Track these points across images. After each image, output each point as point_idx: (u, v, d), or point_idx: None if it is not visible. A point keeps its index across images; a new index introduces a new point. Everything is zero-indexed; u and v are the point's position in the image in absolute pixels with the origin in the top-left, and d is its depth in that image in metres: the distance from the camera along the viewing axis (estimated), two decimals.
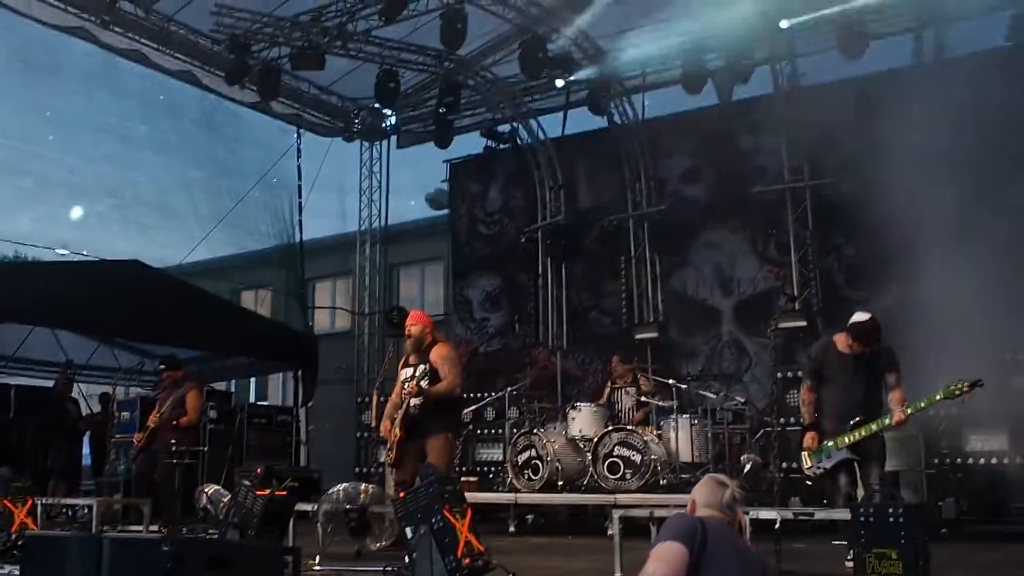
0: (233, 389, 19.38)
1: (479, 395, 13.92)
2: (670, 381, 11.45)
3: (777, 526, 6.74)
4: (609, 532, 7.67)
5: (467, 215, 17.90)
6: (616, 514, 7.25)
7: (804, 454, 7.48)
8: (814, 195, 13.81)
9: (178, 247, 17.83)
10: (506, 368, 15.71)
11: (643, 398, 11.52)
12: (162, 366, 11.00)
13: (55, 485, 12.76)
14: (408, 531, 5.46)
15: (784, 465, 11.12)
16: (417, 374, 7.79)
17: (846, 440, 7.24)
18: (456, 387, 7.94)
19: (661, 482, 10.55)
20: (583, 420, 11.32)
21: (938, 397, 6.99)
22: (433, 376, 7.81)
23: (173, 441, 9.71)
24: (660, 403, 11.42)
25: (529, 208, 16.95)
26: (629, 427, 10.90)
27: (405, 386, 7.87)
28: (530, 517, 11.98)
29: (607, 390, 12.04)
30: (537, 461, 11.05)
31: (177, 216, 17.86)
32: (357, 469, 15.31)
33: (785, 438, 11.35)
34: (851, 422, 7.22)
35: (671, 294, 15.20)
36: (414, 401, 7.77)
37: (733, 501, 3.76)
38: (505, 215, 17.41)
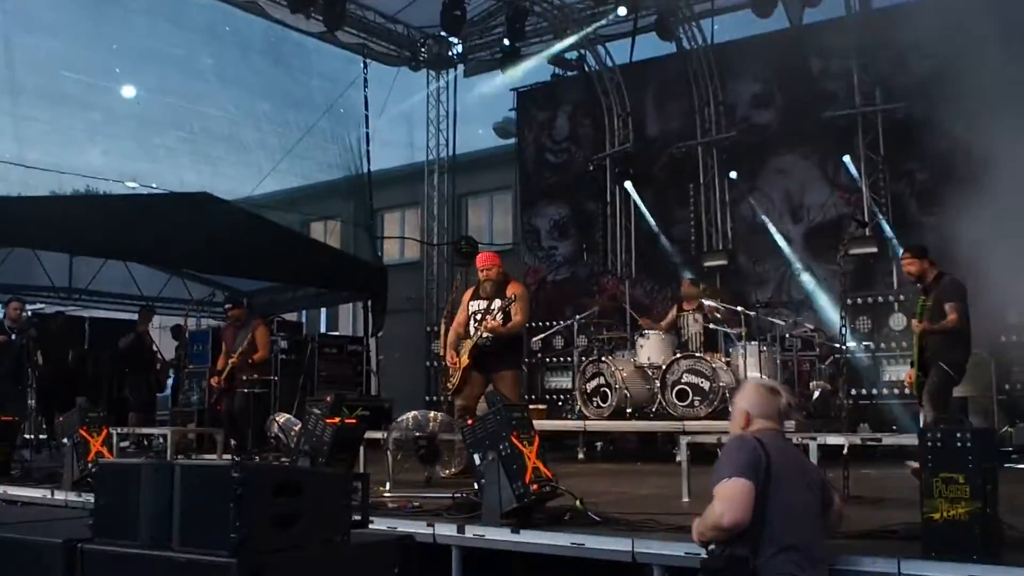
0: (304, 319, 19.74)
1: (548, 323, 14.00)
2: (739, 308, 11.39)
3: (845, 451, 6.75)
4: (677, 459, 7.74)
5: (535, 143, 17.81)
6: (684, 440, 7.30)
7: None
8: (886, 120, 13.46)
9: (247, 179, 18.02)
10: (574, 296, 15.75)
11: (711, 324, 11.48)
12: (227, 305, 11.24)
13: (134, 416, 13.17)
14: (476, 458, 5.55)
15: (852, 392, 11.06)
16: (494, 308, 8.02)
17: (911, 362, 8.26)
18: (523, 323, 8.32)
19: (730, 409, 10.53)
20: (651, 347, 11.33)
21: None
22: (506, 314, 8.04)
23: (245, 377, 10.04)
24: (728, 330, 11.38)
25: (597, 136, 16.79)
26: (698, 354, 10.89)
27: (476, 318, 8.11)
28: (599, 444, 12.09)
29: (673, 315, 11.99)
30: (606, 388, 11.12)
31: (245, 148, 18.02)
32: (427, 398, 15.56)
33: (854, 365, 11.26)
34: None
35: (740, 221, 15.01)
36: (486, 334, 7.97)
37: (790, 408, 3.76)
38: (573, 143, 17.28)
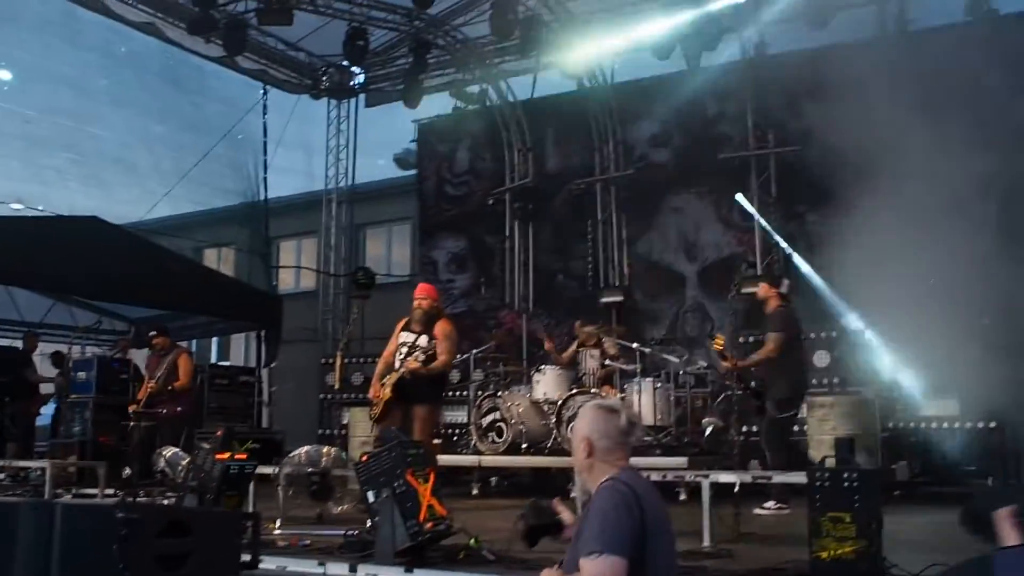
0: (194, 349, 19.27)
1: None
2: (634, 345, 11.53)
3: (736, 489, 6.86)
4: (572, 494, 7.76)
5: (435, 176, 17.82)
6: (579, 477, 7.32)
7: None
8: (778, 162, 13.89)
9: (139, 203, 17.59)
10: (472, 330, 15.71)
11: (607, 361, 11.58)
12: (152, 332, 10.95)
13: (12, 447, 12.63)
14: (370, 495, 5.48)
15: (744, 429, 11.26)
16: (421, 344, 8.07)
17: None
18: (450, 365, 8.46)
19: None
20: (547, 383, 11.41)
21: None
22: (429, 356, 8.07)
23: (179, 408, 9.83)
24: (623, 366, 11.50)
25: (497, 170, 16.89)
26: (593, 390, 10.97)
27: (402, 351, 8.18)
28: (494, 480, 12.05)
29: (571, 352, 12.09)
30: (501, 424, 11.11)
31: (138, 172, 17.62)
32: (320, 431, 15.29)
33: (746, 402, 11.48)
34: None
35: (637, 258, 15.25)
36: (412, 366, 8.00)
37: (631, 427, 3.44)
38: (473, 176, 17.35)
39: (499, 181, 16.77)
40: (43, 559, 3.16)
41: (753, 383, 9.08)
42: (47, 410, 14.29)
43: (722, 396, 12.04)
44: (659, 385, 11.24)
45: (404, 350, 8.14)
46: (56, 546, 3.16)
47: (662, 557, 3.26)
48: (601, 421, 3.45)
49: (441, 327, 8.23)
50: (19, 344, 14.29)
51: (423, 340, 8.09)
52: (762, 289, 8.73)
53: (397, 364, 8.16)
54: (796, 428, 10.80)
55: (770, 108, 13.57)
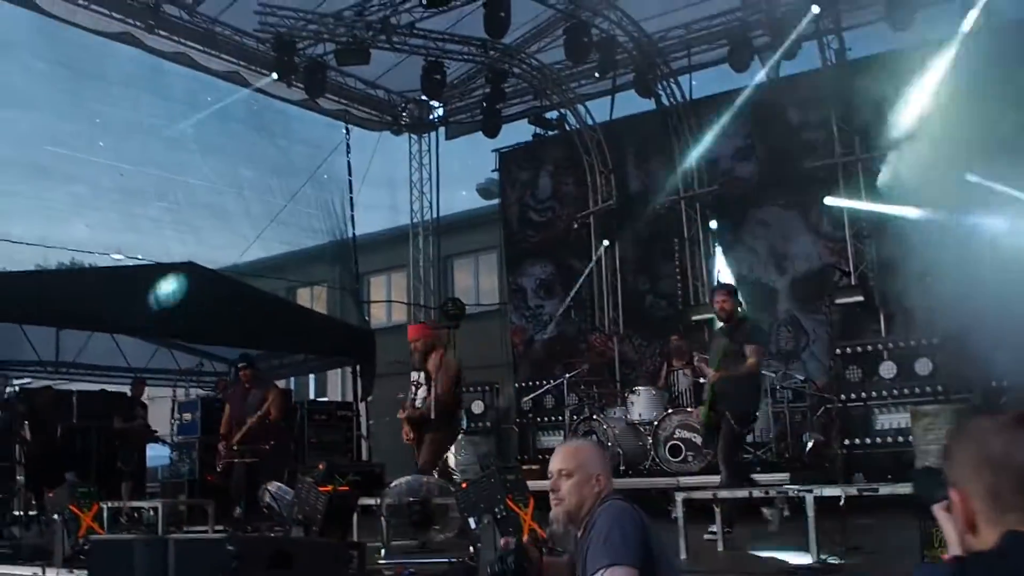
0: (292, 386, 19.61)
1: (537, 383, 13.95)
2: None
3: (842, 503, 6.70)
4: (673, 515, 7.68)
5: (518, 203, 17.91)
6: (679, 497, 7.25)
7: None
8: (866, 168, 13.59)
9: (232, 247, 18.02)
10: (563, 355, 15.71)
11: (701, 379, 11.45)
12: (241, 364, 11.10)
13: (126, 487, 13.03)
14: (471, 521, 5.49)
15: (846, 441, 11.02)
16: (420, 383, 8.86)
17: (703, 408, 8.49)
18: (445, 395, 8.80)
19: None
20: (642, 404, 11.33)
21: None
22: (430, 384, 8.76)
23: (273, 442, 10.02)
24: None
25: (580, 193, 16.90)
26: (689, 409, 10.86)
27: (412, 389, 9.00)
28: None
29: (663, 372, 12.02)
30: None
31: (229, 217, 18.06)
32: (418, 461, 15.37)
33: (846, 414, 11.24)
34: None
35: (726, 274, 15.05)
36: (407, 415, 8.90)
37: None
38: (556, 202, 17.39)
39: (583, 205, 16.78)
40: None
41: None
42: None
43: (821, 409, 11.82)
44: None
45: (413, 389, 8.97)
46: None
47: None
48: (605, 457, 3.71)
49: (433, 361, 8.83)
50: (127, 390, 14.73)
51: (424, 378, 8.82)
52: (729, 302, 8.30)
53: (408, 403, 8.96)
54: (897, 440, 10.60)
55: (855, 113, 13.30)
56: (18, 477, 11.26)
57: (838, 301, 13.10)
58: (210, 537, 3.71)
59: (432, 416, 8.77)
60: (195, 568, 3.27)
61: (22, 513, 11.05)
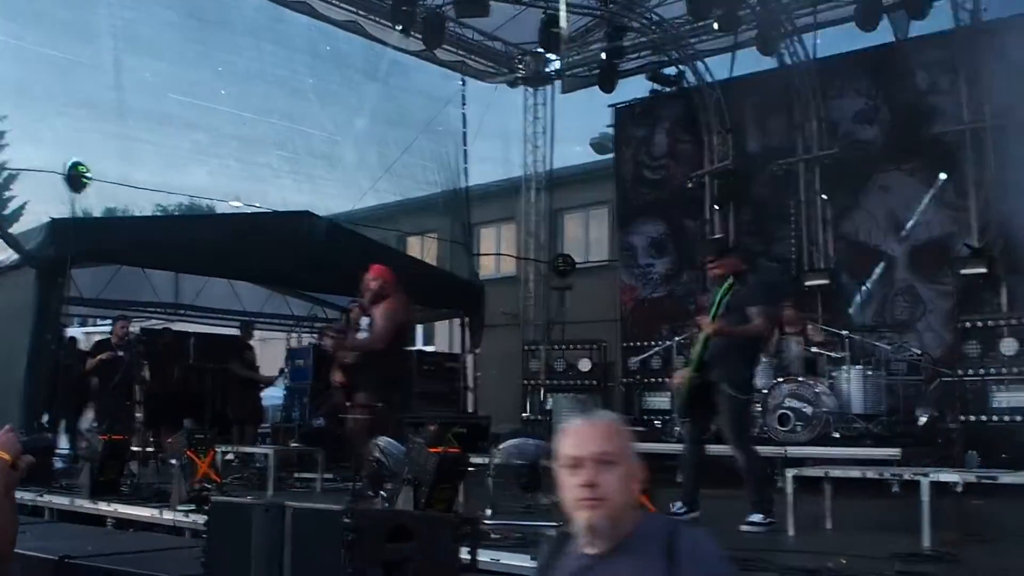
0: None
1: (645, 343, 13.89)
2: (843, 332, 11.17)
3: (959, 488, 6.52)
4: (779, 484, 7.61)
5: (632, 160, 17.72)
6: (789, 474, 7.18)
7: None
8: (995, 135, 13.01)
9: (346, 197, 18.26)
10: (672, 315, 15.58)
11: (813, 348, 11.26)
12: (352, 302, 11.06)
13: (237, 431, 13.52)
14: None
15: (961, 418, 10.73)
16: (364, 327, 8.01)
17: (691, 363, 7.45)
18: (375, 343, 7.91)
19: (833, 434, 10.33)
20: None
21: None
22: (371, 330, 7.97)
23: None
24: (831, 353, 11.15)
25: (696, 152, 16.62)
26: (800, 378, 10.70)
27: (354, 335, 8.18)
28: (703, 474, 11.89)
29: (774, 339, 11.81)
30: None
31: (345, 166, 18.30)
32: (523, 415, 15.57)
33: (963, 389, 10.93)
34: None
35: (842, 239, 14.69)
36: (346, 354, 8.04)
37: None
38: (671, 160, 17.14)
39: (698, 164, 16.50)
40: (276, 559, 3.39)
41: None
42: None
43: (936, 383, 11.51)
44: (869, 373, 10.83)
45: (353, 331, 8.20)
46: (287, 547, 3.39)
47: None
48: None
49: (382, 308, 8.02)
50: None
51: (365, 322, 8.03)
52: (721, 267, 7.55)
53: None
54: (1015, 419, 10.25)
55: (987, 79, 12.71)
56: (137, 415, 11.73)
57: (960, 272, 12.68)
58: (328, 507, 3.81)
59: (348, 360, 8.06)
60: (311, 537, 3.39)
61: (140, 451, 11.56)
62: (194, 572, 3.74)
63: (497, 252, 21.59)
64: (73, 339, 14.01)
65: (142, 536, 6.89)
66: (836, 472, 7.38)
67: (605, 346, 15.47)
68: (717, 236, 10.54)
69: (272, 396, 15.18)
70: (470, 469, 7.15)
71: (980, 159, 13.09)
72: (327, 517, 3.39)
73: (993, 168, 12.97)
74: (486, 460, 7.87)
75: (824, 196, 14.74)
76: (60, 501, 8.39)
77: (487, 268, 21.08)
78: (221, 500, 4.60)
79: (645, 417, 13.52)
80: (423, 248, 20.56)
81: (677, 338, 12.75)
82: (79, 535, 6.52)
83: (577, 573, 2.44)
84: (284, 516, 3.41)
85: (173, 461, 7.75)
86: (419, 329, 21.33)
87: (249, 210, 15.57)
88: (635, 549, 2.42)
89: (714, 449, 8.41)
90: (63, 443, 12.20)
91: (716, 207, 16.04)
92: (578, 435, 2.50)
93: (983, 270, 12.53)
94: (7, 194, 29.18)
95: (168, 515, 7.25)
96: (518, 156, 19.98)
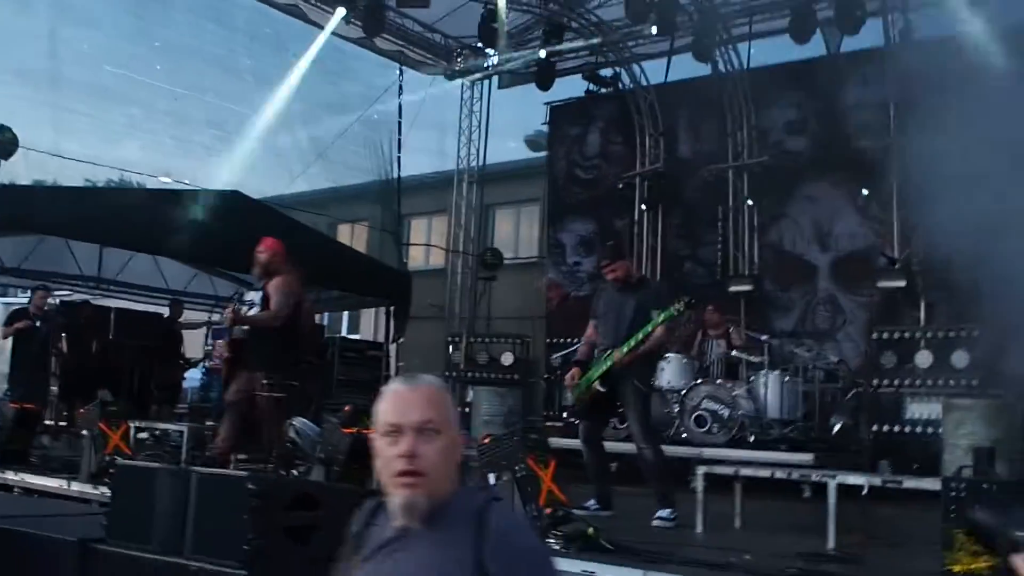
0: (326, 322, 19.78)
1: (569, 340, 13.91)
2: (763, 336, 11.33)
3: (865, 492, 6.66)
4: (691, 486, 7.68)
5: (565, 158, 17.79)
6: (700, 471, 7.25)
7: (568, 390, 7.70)
8: (917, 151, 13.27)
9: (278, 180, 18.06)
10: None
11: (734, 352, 11.42)
12: None
13: (155, 409, 13.25)
14: (491, 477, 5.53)
15: (875, 427, 10.95)
16: (256, 302, 7.88)
17: (595, 374, 7.39)
18: (275, 319, 7.73)
19: (749, 438, 10.47)
20: (672, 371, 11.28)
21: (659, 320, 7.06)
22: (265, 305, 7.83)
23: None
24: (751, 358, 11.30)
25: (628, 154, 16.74)
26: (718, 381, 10.83)
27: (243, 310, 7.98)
28: (614, 465, 11.99)
29: (697, 341, 11.98)
30: (623, 410, 11.04)
31: (278, 150, 18.08)
32: None
33: (877, 399, 11.16)
34: (604, 355, 7.37)
35: (768, 247, 14.92)
36: (237, 328, 7.87)
37: None
38: (603, 160, 17.25)
39: (630, 165, 16.62)
40: (179, 523, 3.32)
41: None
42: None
43: (852, 392, 11.74)
44: (787, 378, 11.01)
45: (245, 309, 7.99)
46: (191, 512, 3.32)
47: None
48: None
49: (277, 282, 7.88)
50: (165, 311, 14.93)
51: (258, 296, 7.90)
52: (621, 268, 7.64)
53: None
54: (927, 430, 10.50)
55: (913, 95, 13.01)
56: (52, 388, 11.46)
57: (880, 284, 12.95)
58: (233, 473, 3.76)
59: (239, 336, 7.83)
60: (216, 502, 3.33)
61: (53, 423, 11.29)
62: (96, 535, 3.66)
63: (427, 243, 21.50)
64: None
65: (47, 502, 6.72)
66: (747, 471, 7.48)
67: (529, 342, 15.51)
68: (611, 242, 10.58)
69: (192, 377, 14.95)
70: None
71: (904, 174, 13.36)
72: (232, 483, 3.33)
73: (913, 184, 13.25)
74: None
75: (752, 203, 14.96)
76: None
77: (416, 259, 21.01)
78: (126, 463, 4.50)
79: (564, 414, 13.56)
80: (353, 236, 20.40)
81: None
82: None
83: (386, 545, 2.30)
84: (189, 480, 3.35)
85: (84, 432, 7.56)
86: (344, 316, 21.21)
87: (178, 187, 15.30)
88: (446, 523, 2.29)
89: (620, 447, 8.51)
90: None
91: (645, 208, 16.15)
92: (399, 400, 2.33)
93: (902, 283, 12.81)
94: None
95: (76, 486, 7.08)
96: (452, 149, 19.95)
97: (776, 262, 14.78)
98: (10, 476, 7.71)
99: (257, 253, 8.08)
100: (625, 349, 7.18)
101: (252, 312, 7.84)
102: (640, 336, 7.17)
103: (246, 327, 7.84)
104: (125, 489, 3.70)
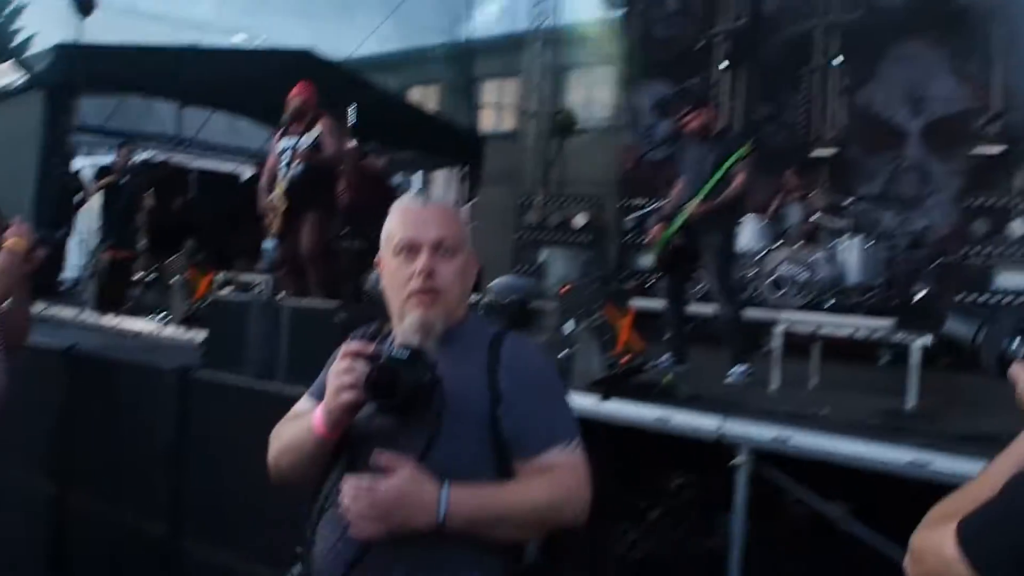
0: (397, 183, 19.77)
1: (644, 203, 13.73)
2: (846, 201, 11.04)
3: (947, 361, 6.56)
4: (764, 348, 7.63)
5: (643, 16, 17.16)
6: (778, 328, 7.18)
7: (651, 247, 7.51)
8: None
9: (349, 39, 17.89)
10: (673, 177, 15.35)
11: (814, 216, 11.16)
12: None
13: (239, 262, 13.47)
14: (568, 325, 5.51)
15: (959, 295, 10.70)
16: (303, 142, 7.67)
17: (674, 227, 7.28)
18: (340, 160, 7.78)
19: (827, 303, 10.31)
20: (748, 234, 11.08)
21: (728, 164, 6.94)
22: (316, 149, 7.71)
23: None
24: (831, 222, 11.05)
25: (709, 10, 16.07)
26: (798, 244, 10.63)
27: (284, 158, 7.74)
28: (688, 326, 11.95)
29: (775, 204, 11.73)
30: (702, 265, 10.91)
31: (349, 8, 17.89)
32: (515, 268, 15.51)
33: (964, 268, 10.87)
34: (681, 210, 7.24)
35: (855, 110, 14.36)
36: (298, 170, 7.65)
37: None
38: (683, 17, 16.59)
39: (711, 22, 16.00)
40: (272, 353, 3.35)
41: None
42: None
43: (938, 261, 11.44)
44: (869, 244, 10.75)
45: (286, 156, 7.75)
46: (283, 342, 3.34)
47: None
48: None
49: (325, 122, 7.82)
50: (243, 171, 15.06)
51: (306, 139, 7.72)
52: (703, 117, 7.42)
53: (281, 174, 7.76)
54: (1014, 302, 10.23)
55: None
56: (140, 241, 11.73)
57: (974, 151, 12.45)
58: (323, 305, 3.79)
59: (308, 180, 7.59)
60: (306, 332, 3.34)
61: (142, 275, 11.57)
62: (193, 364, 3.75)
63: (498, 105, 21.24)
64: (78, 171, 13.94)
65: (144, 339, 6.97)
66: (827, 329, 7.39)
67: (601, 204, 15.32)
68: (686, 87, 10.25)
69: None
70: None
71: (1008, 33, 12.65)
72: (321, 314, 3.33)
73: (1017, 45, 12.59)
74: (475, 299, 7.85)
75: (840, 63, 14.33)
76: (67, 313, 8.47)
77: (488, 123, 20.78)
78: (221, 297, 4.59)
79: (639, 275, 13.47)
80: (424, 98, 20.21)
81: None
82: (84, 335, 6.62)
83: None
84: (280, 312, 3.36)
85: (174, 279, 7.71)
86: (416, 178, 21.20)
87: (252, 46, 15.29)
88: (460, 346, 2.23)
89: (695, 307, 8.47)
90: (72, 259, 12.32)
91: (725, 68, 15.60)
92: (414, 216, 2.28)
93: (999, 149, 12.29)
94: (13, 27, 28.50)
95: (169, 330, 7.27)
96: (525, 8, 19.43)
97: (863, 126, 14.20)
98: (108, 320, 7.97)
99: (291, 97, 8.03)
100: (699, 199, 7.00)
101: (295, 167, 7.68)
102: (710, 185, 7.00)
103: (303, 172, 7.67)
104: (220, 322, 3.78)
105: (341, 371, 2.10)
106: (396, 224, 2.28)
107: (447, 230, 2.27)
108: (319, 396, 2.26)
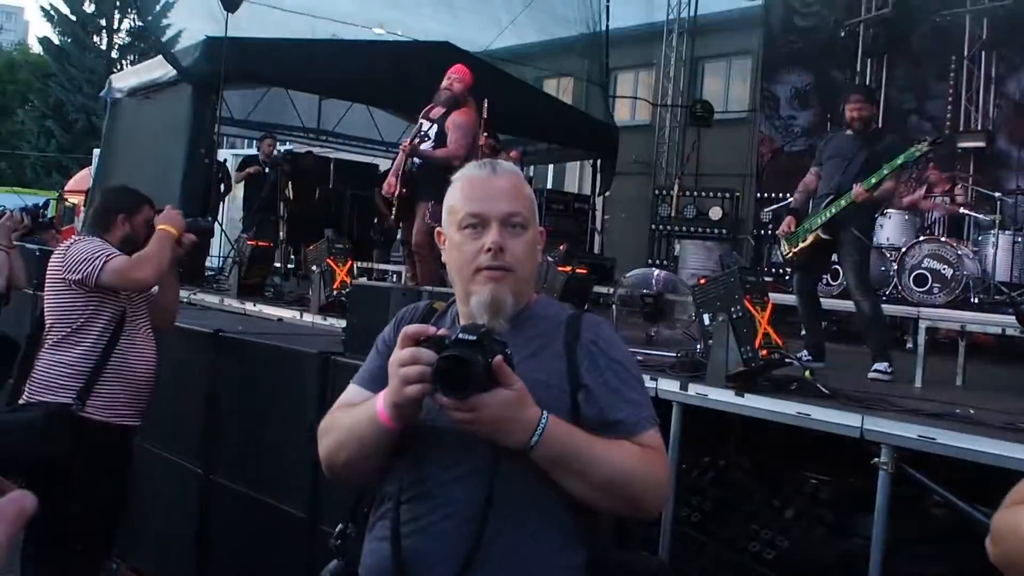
0: (532, 174, 19.93)
1: (780, 195, 13.51)
2: (996, 194, 10.63)
3: None
4: (908, 346, 7.43)
5: (782, 5, 16.84)
6: (923, 325, 6.99)
7: (781, 240, 7.19)
8: None
9: (486, 31, 18.06)
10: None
11: (961, 209, 10.79)
12: None
13: (377, 252, 13.83)
14: (705, 318, 5.48)
15: None
16: (426, 131, 7.51)
17: (818, 221, 6.86)
18: (456, 159, 7.16)
19: (973, 300, 9.96)
20: (891, 227, 10.79)
21: (899, 161, 6.55)
22: (440, 140, 7.49)
23: None
24: (979, 216, 10.67)
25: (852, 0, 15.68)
26: (943, 239, 10.29)
27: (417, 139, 7.62)
28: (825, 323, 11.72)
29: (919, 197, 11.39)
30: (838, 266, 10.70)
31: (487, 1, 18.06)
32: (649, 260, 15.48)
33: None
34: (824, 204, 6.85)
35: (1005, 100, 13.79)
36: (413, 163, 7.54)
37: None
38: (824, 6, 16.19)
39: (854, 11, 15.57)
40: None
41: None
42: None
43: None
44: (1019, 240, 10.33)
45: (417, 140, 7.60)
46: None
47: None
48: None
49: (455, 117, 7.50)
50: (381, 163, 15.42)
51: (432, 128, 7.50)
52: (867, 109, 7.04)
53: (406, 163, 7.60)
54: None
55: None
56: (281, 232, 12.14)
57: None
58: None
59: (411, 169, 7.47)
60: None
61: (282, 265, 11.99)
62: (334, 350, 3.92)
63: (634, 97, 21.15)
64: (224, 161, 14.52)
65: (286, 326, 7.21)
66: (973, 327, 7.14)
67: (738, 196, 15.13)
68: (864, 84, 10.00)
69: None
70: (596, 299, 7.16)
71: None
72: None
73: None
74: (610, 290, 7.90)
75: (990, 51, 13.77)
76: (210, 300, 8.85)
77: (622, 114, 20.72)
78: (363, 284, 4.76)
79: (774, 269, 13.27)
80: (559, 89, 20.26)
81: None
82: (228, 320, 6.92)
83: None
84: (420, 298, 3.48)
85: (313, 267, 7.98)
86: (549, 168, 21.32)
87: (391, 38, 15.61)
88: (532, 326, 2.11)
89: (833, 304, 8.28)
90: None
91: (868, 58, 15.17)
92: (483, 188, 2.10)
93: None
94: (165, 21, 29.92)
95: (307, 317, 7.52)
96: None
97: (1014, 116, 13.65)
98: (249, 307, 8.29)
99: (450, 80, 7.90)
100: (866, 186, 6.81)
101: (426, 146, 7.60)
102: (875, 179, 6.82)
103: (419, 161, 7.64)
104: (360, 308, 3.91)
105: (405, 360, 1.89)
106: (461, 196, 2.13)
107: (517, 203, 2.10)
108: (368, 383, 2.17)
